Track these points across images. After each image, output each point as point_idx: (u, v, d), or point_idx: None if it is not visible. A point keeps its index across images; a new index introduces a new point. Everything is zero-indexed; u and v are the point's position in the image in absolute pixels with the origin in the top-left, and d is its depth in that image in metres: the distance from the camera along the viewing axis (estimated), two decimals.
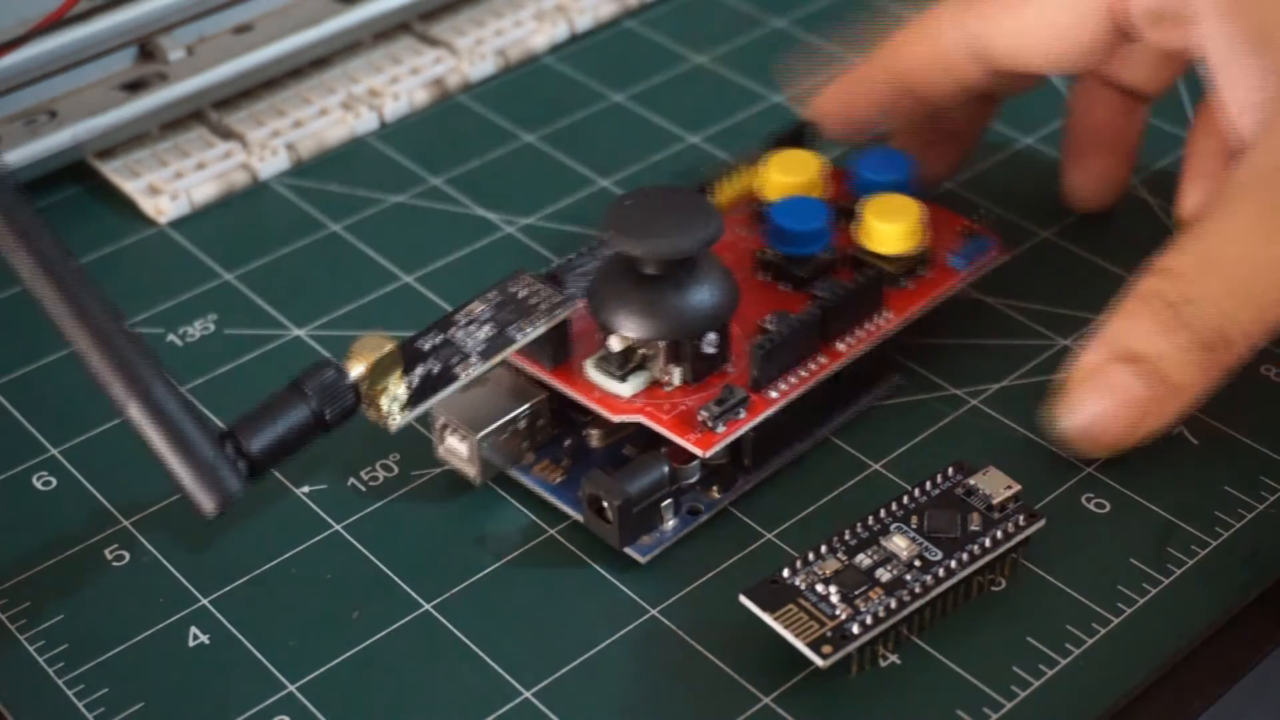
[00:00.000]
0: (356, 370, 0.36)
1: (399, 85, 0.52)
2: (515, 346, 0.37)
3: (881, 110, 0.44)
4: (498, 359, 0.37)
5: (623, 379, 0.38)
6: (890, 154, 0.43)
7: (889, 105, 0.44)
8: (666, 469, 0.37)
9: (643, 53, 0.55)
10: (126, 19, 0.50)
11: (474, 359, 0.37)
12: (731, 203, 0.43)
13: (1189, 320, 0.35)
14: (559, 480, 0.39)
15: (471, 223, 0.48)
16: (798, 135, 0.43)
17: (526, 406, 0.39)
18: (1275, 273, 0.35)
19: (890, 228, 0.40)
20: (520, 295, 0.38)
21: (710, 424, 0.37)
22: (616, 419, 0.38)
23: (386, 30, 0.54)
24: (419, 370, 0.37)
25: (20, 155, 0.48)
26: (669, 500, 0.38)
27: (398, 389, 0.37)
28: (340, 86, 0.53)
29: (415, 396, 0.37)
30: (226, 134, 0.51)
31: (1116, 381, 0.36)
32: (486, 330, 0.38)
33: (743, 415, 0.37)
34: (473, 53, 0.54)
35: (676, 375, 0.38)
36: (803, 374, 0.38)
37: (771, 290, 0.41)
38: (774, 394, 0.38)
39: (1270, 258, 0.35)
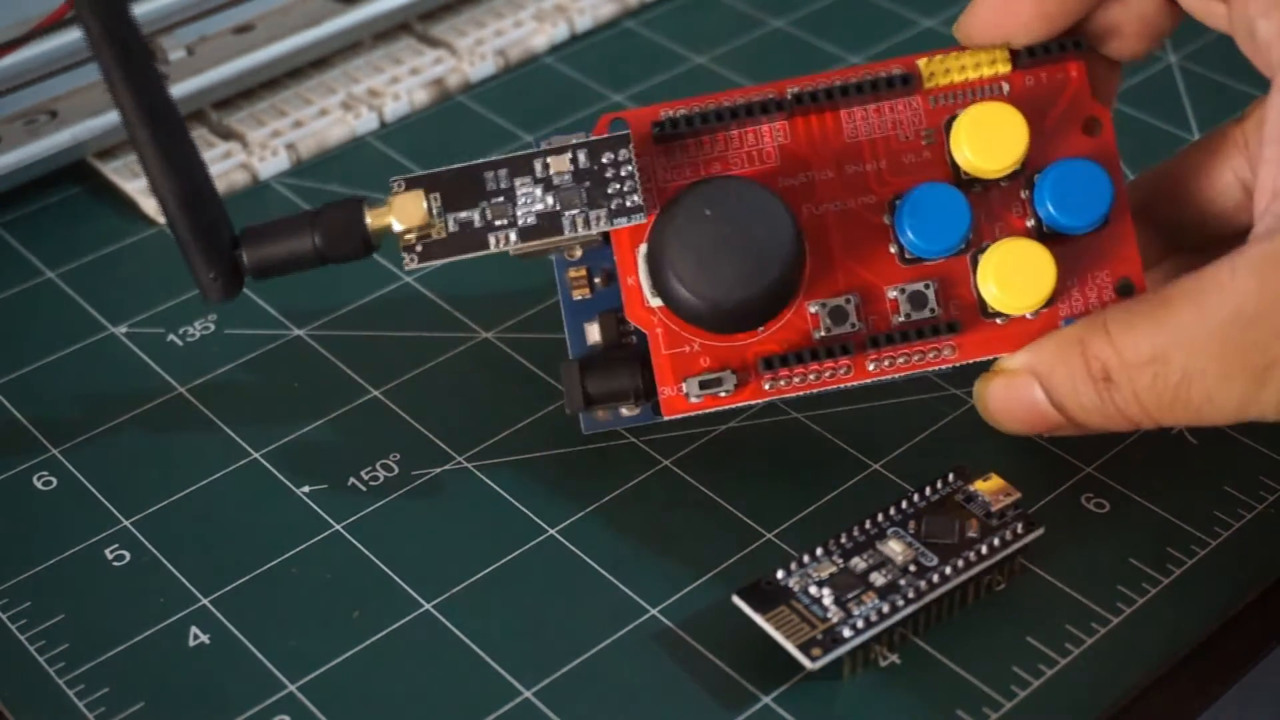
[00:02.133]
0: (380, 223, 0.37)
1: (399, 85, 0.53)
2: (557, 240, 0.37)
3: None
4: (534, 244, 0.37)
5: (654, 291, 0.37)
6: (1084, 176, 0.37)
7: None
8: (637, 381, 0.37)
9: (643, 53, 0.55)
10: None
11: (514, 235, 0.37)
12: (938, 89, 0.38)
13: (1109, 397, 0.35)
14: (580, 299, 0.39)
15: None
16: None
17: (575, 236, 0.37)
18: (1212, 406, 0.34)
19: (1004, 295, 0.37)
20: (607, 173, 0.37)
21: (687, 393, 0.37)
22: (629, 319, 0.37)
23: (386, 30, 0.54)
24: (462, 215, 0.37)
25: (20, 155, 0.48)
26: (634, 405, 0.38)
27: (431, 231, 0.37)
28: (340, 86, 0.53)
29: (441, 246, 0.37)
30: (226, 134, 0.51)
31: (1027, 393, 0.36)
32: (548, 200, 0.37)
33: (723, 390, 0.37)
34: (473, 53, 0.54)
35: None
36: (813, 378, 0.37)
37: (882, 246, 0.37)
38: (768, 386, 0.37)
39: (1214, 394, 0.34)
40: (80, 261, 0.47)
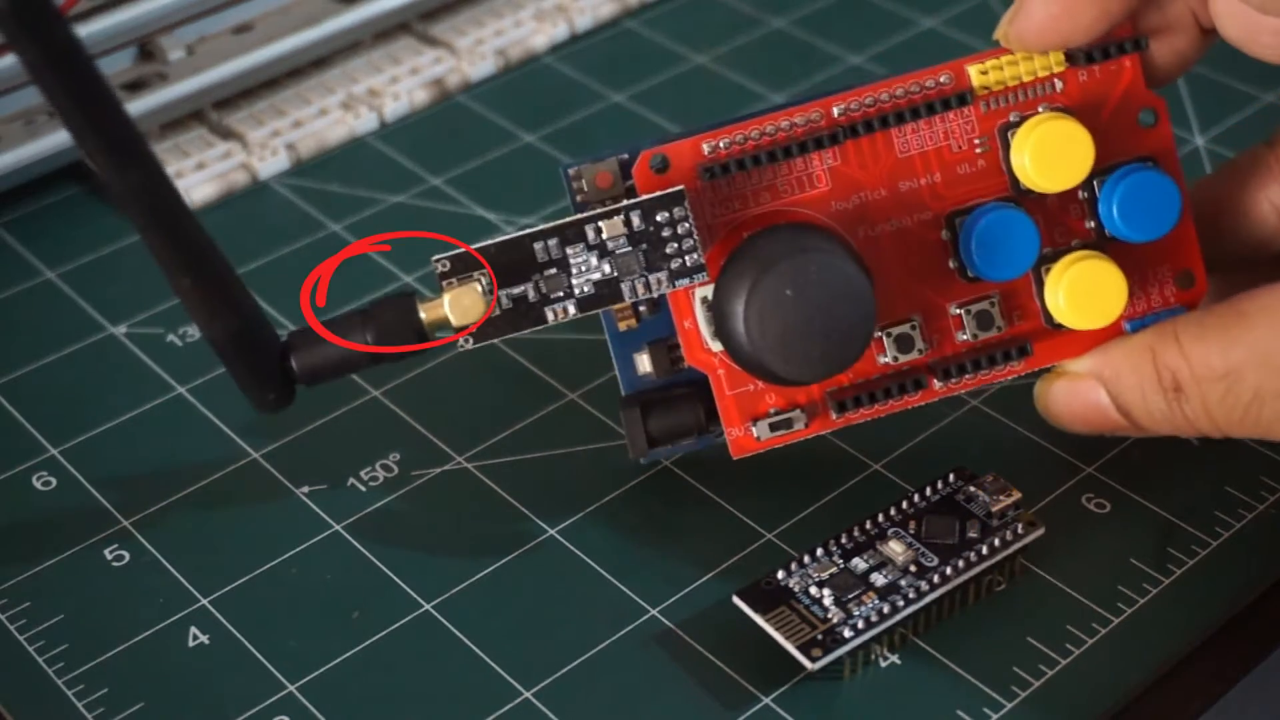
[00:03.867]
0: (435, 316, 0.35)
1: (399, 85, 0.53)
2: (618, 305, 0.36)
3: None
4: (595, 310, 0.36)
5: (714, 334, 0.36)
6: (1152, 190, 0.36)
7: None
8: (699, 417, 0.37)
9: (643, 53, 0.55)
10: (126, 19, 0.50)
11: (572, 307, 0.35)
12: (990, 94, 0.37)
13: (1178, 408, 0.35)
14: (625, 329, 0.38)
15: (471, 223, 0.48)
16: None
17: (635, 300, 0.36)
18: None
19: (1076, 316, 0.36)
20: (664, 232, 0.35)
21: (757, 435, 0.37)
22: (689, 363, 0.37)
23: (386, 30, 0.54)
24: (515, 291, 0.35)
25: (20, 155, 0.48)
26: (695, 435, 0.38)
27: (487, 308, 0.35)
28: (340, 86, 0.53)
29: (496, 326, 0.35)
30: (226, 134, 0.51)
31: (1092, 396, 0.36)
32: (605, 268, 0.35)
33: (794, 430, 0.37)
34: (473, 53, 0.54)
35: None
36: (879, 405, 0.37)
37: (942, 263, 0.37)
38: (835, 416, 0.37)
39: None
40: (80, 261, 0.47)
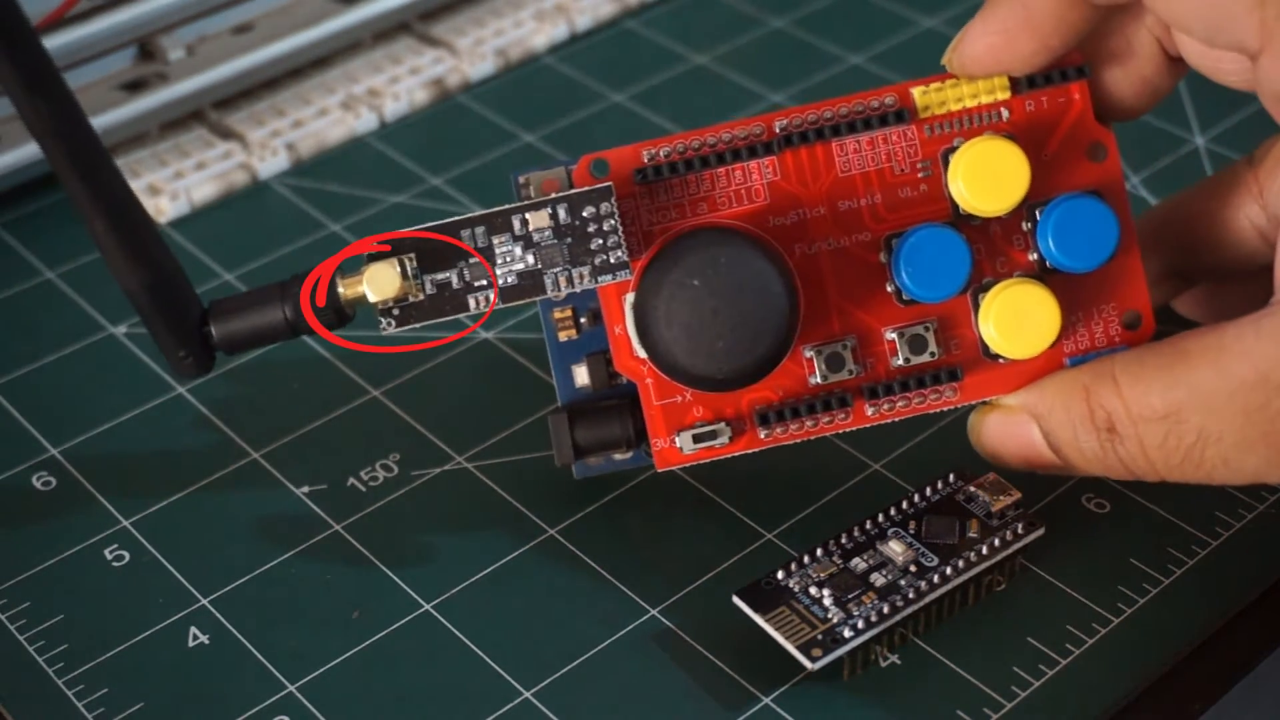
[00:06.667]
0: (354, 293, 0.36)
1: (399, 85, 0.53)
2: (539, 298, 0.36)
3: (1052, 23, 0.35)
4: (517, 303, 0.36)
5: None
6: (1088, 217, 0.36)
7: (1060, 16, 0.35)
8: (628, 430, 0.37)
9: (643, 53, 0.55)
10: (126, 19, 0.50)
11: (494, 296, 0.35)
12: (934, 118, 0.36)
13: (1111, 448, 0.34)
14: (565, 339, 0.38)
15: None
16: None
17: (558, 295, 0.36)
18: (1227, 469, 0.33)
19: (1006, 343, 0.36)
20: (589, 228, 0.35)
21: (680, 446, 0.36)
22: (618, 370, 0.37)
23: (386, 30, 0.54)
24: (439, 276, 0.35)
25: (20, 155, 0.48)
26: (626, 451, 0.37)
27: (408, 294, 0.35)
28: (340, 86, 0.53)
29: (419, 310, 0.35)
30: (226, 134, 0.51)
31: (1023, 430, 0.36)
32: (528, 260, 0.35)
33: (718, 443, 0.36)
34: (473, 53, 0.54)
35: None
36: (809, 425, 0.36)
37: (879, 286, 0.37)
38: (764, 435, 0.36)
39: (1230, 459, 0.33)
40: (80, 261, 0.47)
